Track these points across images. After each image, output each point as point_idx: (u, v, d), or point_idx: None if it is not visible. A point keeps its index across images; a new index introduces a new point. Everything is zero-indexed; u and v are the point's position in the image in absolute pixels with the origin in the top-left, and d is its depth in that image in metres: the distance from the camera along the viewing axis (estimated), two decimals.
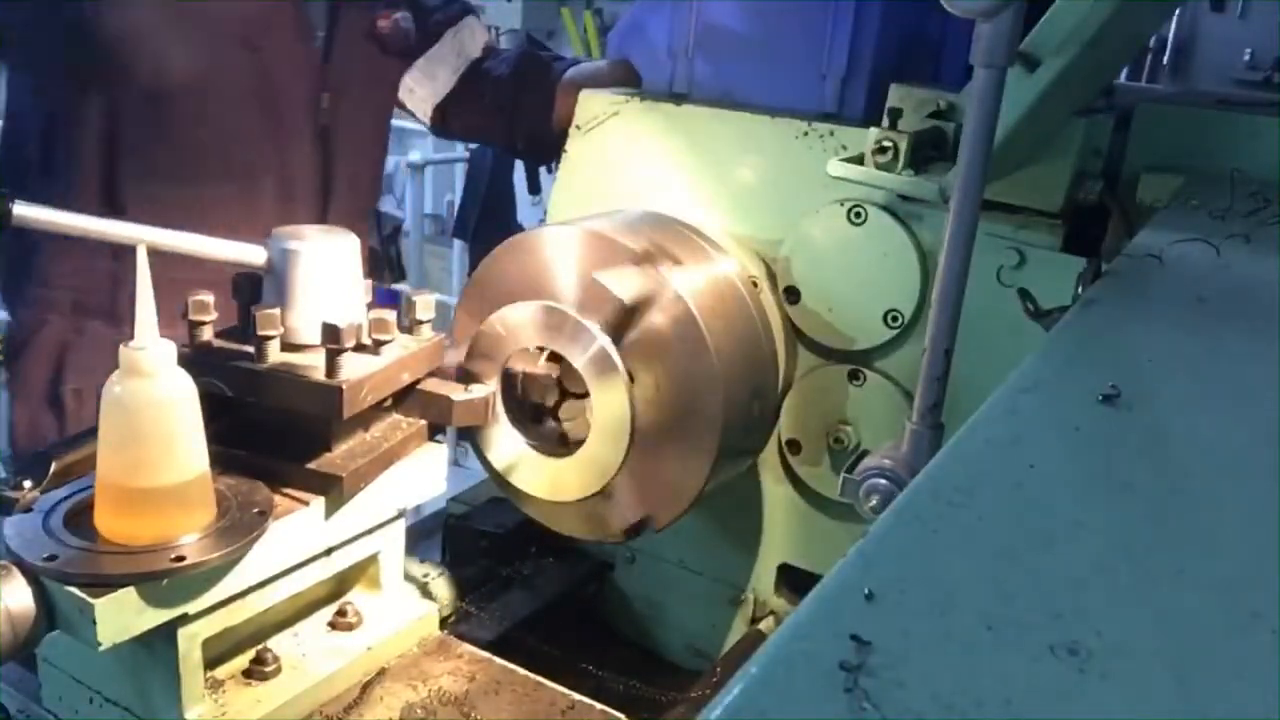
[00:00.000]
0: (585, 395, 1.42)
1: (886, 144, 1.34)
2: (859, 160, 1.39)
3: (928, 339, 1.17)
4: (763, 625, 1.73)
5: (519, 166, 5.55)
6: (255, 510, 1.07)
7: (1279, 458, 0.72)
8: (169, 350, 0.98)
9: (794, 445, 1.64)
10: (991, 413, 0.77)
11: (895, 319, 1.52)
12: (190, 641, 1.06)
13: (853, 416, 1.59)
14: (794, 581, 1.72)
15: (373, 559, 1.28)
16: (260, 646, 1.16)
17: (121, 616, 0.97)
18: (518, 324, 1.40)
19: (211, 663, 1.13)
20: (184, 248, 1.24)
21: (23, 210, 1.09)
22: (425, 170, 5.58)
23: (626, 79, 1.79)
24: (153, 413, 0.98)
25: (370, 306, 1.24)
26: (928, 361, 1.17)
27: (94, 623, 0.94)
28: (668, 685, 1.56)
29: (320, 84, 1.93)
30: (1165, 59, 3.09)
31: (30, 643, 1.00)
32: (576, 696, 1.21)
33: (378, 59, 2.02)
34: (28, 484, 1.07)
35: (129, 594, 0.97)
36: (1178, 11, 2.90)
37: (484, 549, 1.77)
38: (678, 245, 1.51)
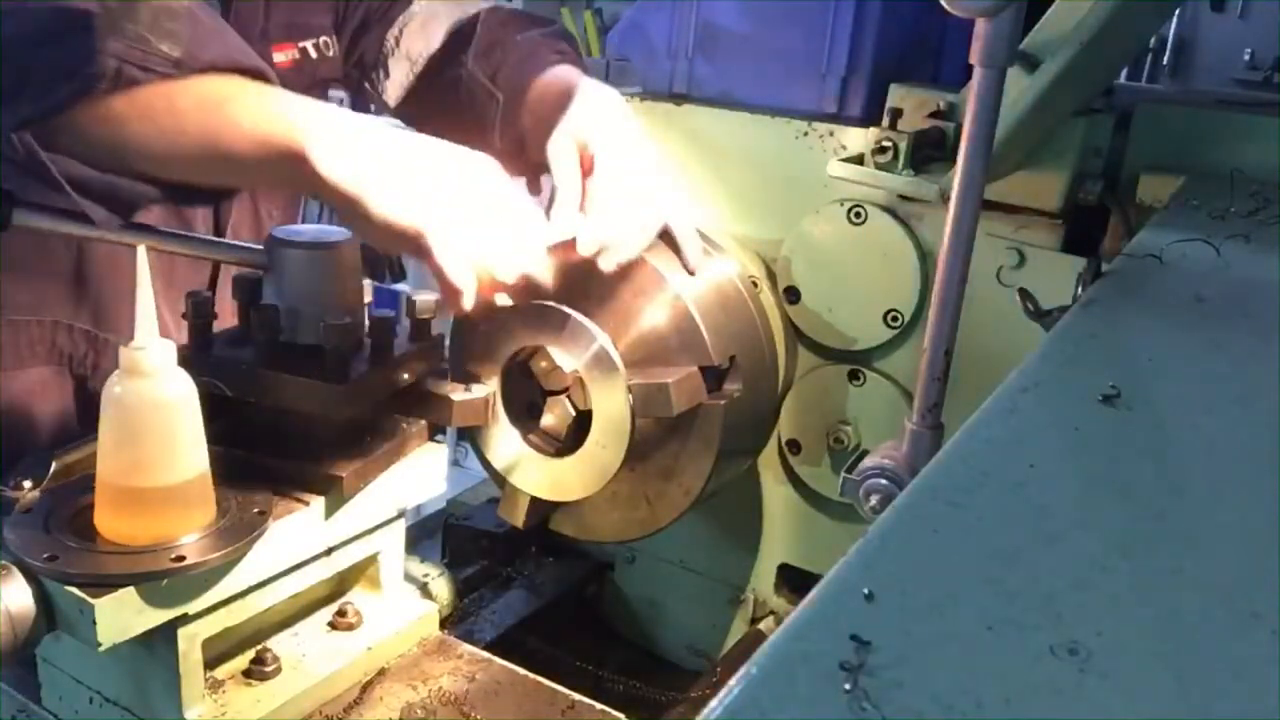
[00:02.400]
0: (564, 391, 1.44)
1: (886, 144, 1.34)
2: (859, 160, 1.39)
3: (928, 339, 1.17)
4: (763, 625, 1.73)
5: None
6: (255, 510, 1.07)
7: (1279, 458, 0.72)
8: (169, 350, 0.98)
9: (794, 445, 1.64)
10: (991, 413, 0.77)
11: (895, 319, 1.52)
12: (190, 641, 1.06)
13: (853, 416, 1.59)
14: (794, 581, 1.72)
15: (373, 559, 1.28)
16: (260, 646, 1.16)
17: (121, 616, 0.97)
18: (517, 323, 1.40)
19: (211, 663, 1.13)
20: (184, 248, 1.25)
21: (23, 211, 1.09)
22: None
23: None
24: (153, 413, 0.98)
25: (370, 306, 1.24)
26: (928, 361, 1.17)
27: (94, 623, 0.94)
28: (668, 685, 1.56)
29: None
30: (1165, 59, 3.08)
31: (30, 643, 1.00)
32: (576, 696, 1.21)
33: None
34: (28, 484, 1.07)
35: (129, 594, 0.97)
36: (1178, 11, 2.90)
37: (484, 549, 1.77)
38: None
